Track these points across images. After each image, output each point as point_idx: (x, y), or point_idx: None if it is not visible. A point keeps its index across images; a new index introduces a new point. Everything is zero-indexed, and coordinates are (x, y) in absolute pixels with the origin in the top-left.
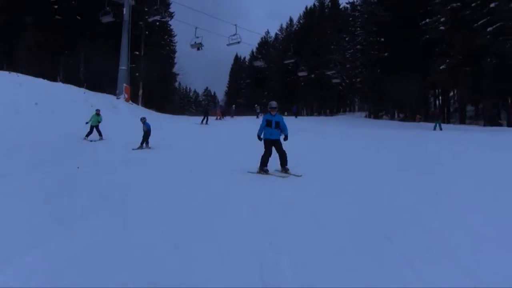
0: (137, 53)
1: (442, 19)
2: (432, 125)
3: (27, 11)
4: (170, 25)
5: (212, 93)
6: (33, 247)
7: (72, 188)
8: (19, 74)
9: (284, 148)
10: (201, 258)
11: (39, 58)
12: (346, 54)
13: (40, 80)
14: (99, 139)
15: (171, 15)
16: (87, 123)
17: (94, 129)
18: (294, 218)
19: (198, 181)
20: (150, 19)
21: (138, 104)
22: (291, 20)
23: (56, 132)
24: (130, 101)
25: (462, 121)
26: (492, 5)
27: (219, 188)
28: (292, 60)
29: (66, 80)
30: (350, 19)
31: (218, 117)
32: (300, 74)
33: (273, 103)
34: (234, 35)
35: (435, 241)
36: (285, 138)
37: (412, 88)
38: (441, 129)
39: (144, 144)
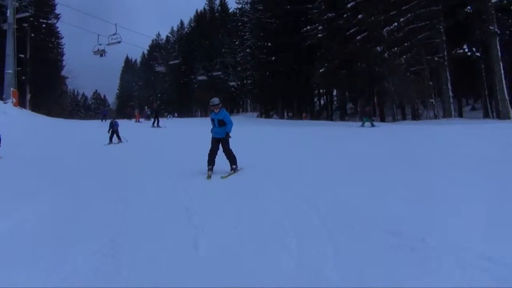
0: (23, 56)
1: (320, 27)
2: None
3: None
4: (57, 27)
5: (102, 96)
6: None
7: None
8: None
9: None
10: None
11: None
12: (237, 58)
13: None
14: None
15: (57, 17)
16: None
17: None
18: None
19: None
20: (18, 16)
21: (26, 109)
22: (182, 23)
23: None
24: (19, 106)
25: (342, 118)
26: (359, 16)
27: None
28: (177, 61)
29: None
30: (239, 24)
31: (137, 120)
32: (199, 78)
33: (214, 100)
34: (114, 34)
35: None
36: (226, 135)
37: (297, 89)
38: (373, 125)
39: None
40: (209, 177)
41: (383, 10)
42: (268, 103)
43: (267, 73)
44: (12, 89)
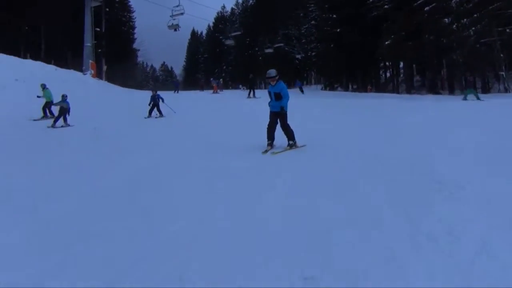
0: (98, 29)
1: None
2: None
3: None
4: (129, 1)
5: (170, 68)
6: None
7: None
8: None
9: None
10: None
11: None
12: (301, 30)
13: (13, 57)
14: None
15: None
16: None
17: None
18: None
19: None
20: None
21: (102, 79)
22: None
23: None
24: (96, 77)
25: (409, 91)
26: None
27: None
28: (238, 33)
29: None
30: None
31: (214, 91)
32: (266, 51)
33: (271, 72)
34: (177, 6)
35: None
36: (281, 109)
37: (362, 61)
38: (478, 98)
39: (61, 121)
40: (265, 151)
41: None
42: (332, 76)
43: (332, 46)
44: (90, 61)
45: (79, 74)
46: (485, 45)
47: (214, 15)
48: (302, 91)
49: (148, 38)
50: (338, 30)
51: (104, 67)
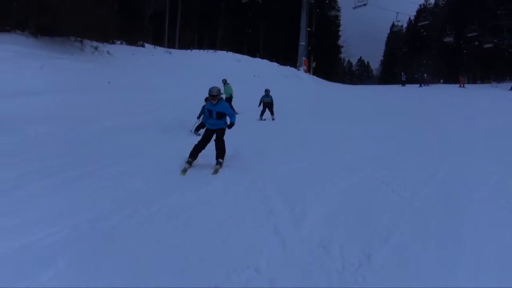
0: (309, 29)
1: None
2: None
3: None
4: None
5: (366, 63)
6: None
7: None
8: (233, 53)
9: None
10: None
11: (229, 37)
12: None
13: (246, 56)
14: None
15: None
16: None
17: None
18: None
19: None
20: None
21: (311, 74)
22: None
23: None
24: (308, 72)
25: None
26: None
27: None
28: (451, 39)
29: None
30: None
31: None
32: (445, 40)
33: (213, 90)
34: None
35: None
36: (230, 126)
37: None
38: None
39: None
40: (184, 171)
41: None
42: None
43: None
44: (304, 58)
45: (294, 69)
46: None
47: (416, 8)
48: (403, 84)
49: (349, 33)
50: None
51: (313, 63)
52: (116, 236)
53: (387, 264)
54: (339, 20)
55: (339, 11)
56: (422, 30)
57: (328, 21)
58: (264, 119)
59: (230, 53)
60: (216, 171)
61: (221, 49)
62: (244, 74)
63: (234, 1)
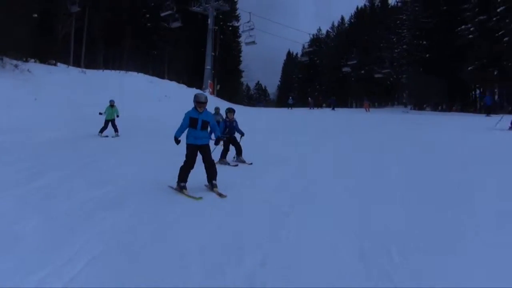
0: (213, 54)
1: (471, 28)
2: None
3: (126, 23)
4: (238, 27)
5: (263, 87)
6: None
7: None
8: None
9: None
10: None
11: (135, 58)
12: (393, 53)
13: (156, 78)
14: (115, 136)
15: (237, 19)
16: (101, 113)
17: (110, 124)
18: None
19: None
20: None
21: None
22: (342, 18)
23: None
24: (213, 95)
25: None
26: (507, 20)
27: None
28: (349, 67)
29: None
30: (398, 22)
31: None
32: (344, 69)
33: (201, 96)
34: (248, 22)
35: None
36: (217, 142)
37: (449, 84)
38: None
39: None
40: (186, 194)
41: None
42: (422, 97)
43: (421, 69)
44: (209, 81)
45: (201, 91)
46: None
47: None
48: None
49: (249, 58)
50: (427, 55)
51: (218, 86)
52: None
53: None
54: (241, 46)
55: (238, 37)
56: (315, 58)
57: (231, 47)
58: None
59: (141, 74)
60: (221, 194)
61: (127, 70)
62: (157, 94)
63: (139, 25)
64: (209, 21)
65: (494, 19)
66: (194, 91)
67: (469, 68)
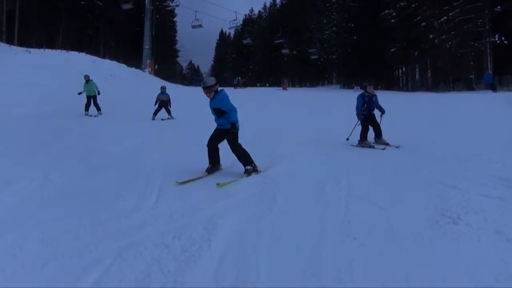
0: (151, 33)
1: (393, 13)
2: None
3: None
4: (174, 8)
5: (196, 67)
6: None
7: None
8: (85, 54)
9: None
10: None
11: (70, 37)
12: (323, 35)
13: (98, 58)
14: (97, 114)
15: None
16: (80, 93)
17: (92, 101)
18: None
19: None
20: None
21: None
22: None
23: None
24: (152, 74)
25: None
26: (424, 7)
27: None
28: (281, 41)
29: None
30: (327, 4)
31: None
32: (283, 51)
33: (206, 81)
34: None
35: None
36: (232, 127)
37: (374, 64)
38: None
39: (167, 114)
40: (199, 178)
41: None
42: (350, 76)
43: (349, 50)
44: (148, 60)
45: (140, 71)
46: (462, 55)
47: (242, 17)
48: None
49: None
50: (355, 37)
51: (156, 66)
52: None
53: None
54: (176, 25)
55: (174, 17)
56: (248, 38)
57: (167, 26)
58: (162, 119)
59: (83, 54)
60: (241, 177)
61: (62, 49)
62: (102, 74)
63: (73, 3)
64: (146, 1)
65: (413, 5)
66: (134, 70)
67: (392, 50)
